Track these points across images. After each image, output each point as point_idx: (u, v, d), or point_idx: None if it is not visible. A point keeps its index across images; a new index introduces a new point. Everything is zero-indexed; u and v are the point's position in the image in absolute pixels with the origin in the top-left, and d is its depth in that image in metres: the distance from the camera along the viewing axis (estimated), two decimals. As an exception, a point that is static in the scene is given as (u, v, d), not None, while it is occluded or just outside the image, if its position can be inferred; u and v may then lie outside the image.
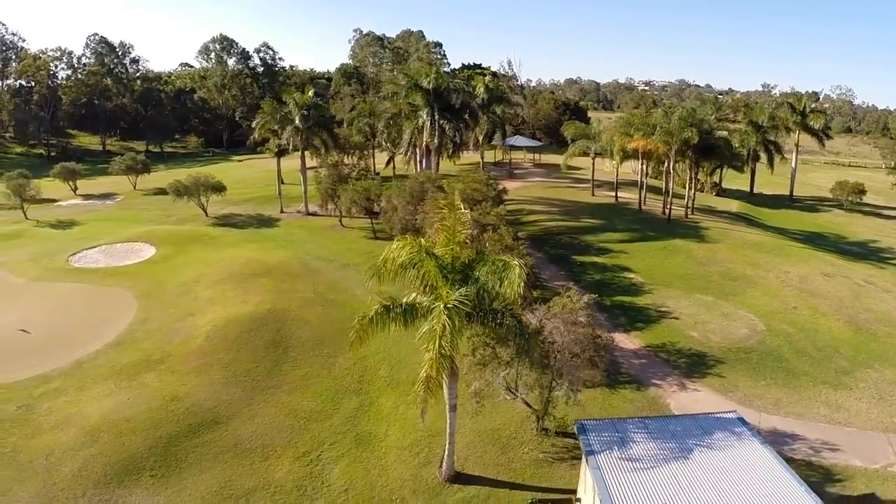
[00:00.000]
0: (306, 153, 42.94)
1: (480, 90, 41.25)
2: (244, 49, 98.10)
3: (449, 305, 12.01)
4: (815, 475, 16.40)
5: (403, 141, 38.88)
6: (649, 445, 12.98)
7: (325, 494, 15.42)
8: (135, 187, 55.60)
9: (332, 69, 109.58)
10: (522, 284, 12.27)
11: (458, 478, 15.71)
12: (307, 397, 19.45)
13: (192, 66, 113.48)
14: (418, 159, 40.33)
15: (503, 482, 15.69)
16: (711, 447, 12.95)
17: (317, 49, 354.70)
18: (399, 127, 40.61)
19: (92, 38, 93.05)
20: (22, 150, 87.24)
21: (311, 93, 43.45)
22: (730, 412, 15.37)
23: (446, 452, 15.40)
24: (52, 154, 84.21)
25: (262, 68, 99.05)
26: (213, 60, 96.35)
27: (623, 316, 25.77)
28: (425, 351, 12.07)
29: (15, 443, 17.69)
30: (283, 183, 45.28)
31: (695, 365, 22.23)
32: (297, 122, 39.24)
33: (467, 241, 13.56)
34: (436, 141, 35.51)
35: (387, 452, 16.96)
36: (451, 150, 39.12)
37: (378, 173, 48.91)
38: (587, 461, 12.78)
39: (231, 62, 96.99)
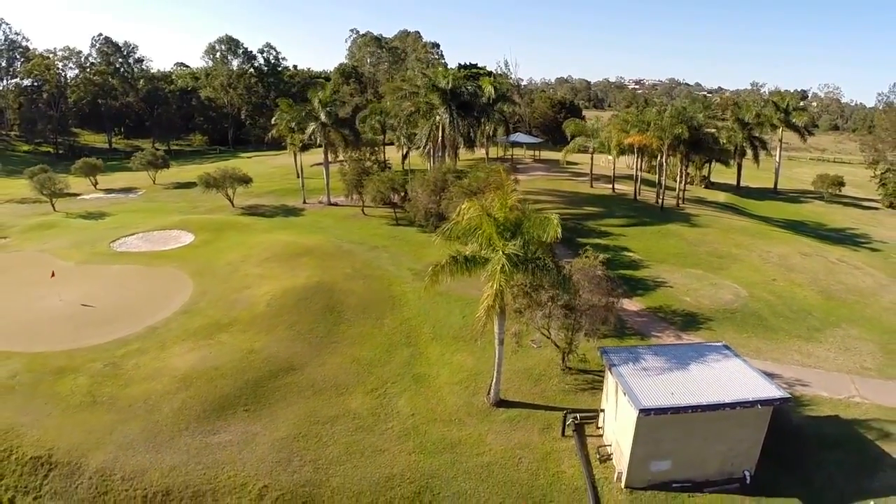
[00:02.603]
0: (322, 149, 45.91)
1: (489, 90, 44.72)
2: (248, 49, 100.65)
3: (506, 252, 15.59)
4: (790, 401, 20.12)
5: (421, 136, 42.13)
6: (658, 361, 16.72)
7: (395, 417, 18.81)
8: (154, 182, 57.78)
9: (327, 69, 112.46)
10: (559, 230, 15.98)
11: (503, 403, 19.30)
12: (366, 349, 22.80)
13: (187, 66, 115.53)
14: (433, 154, 43.65)
15: (539, 405, 19.31)
16: (705, 362, 16.76)
17: (312, 49, 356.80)
18: (415, 124, 43.88)
19: (97, 38, 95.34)
20: (29, 148, 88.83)
21: (329, 91, 46.66)
22: (718, 342, 19.19)
23: (494, 381, 18.94)
24: (60, 152, 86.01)
25: (266, 68, 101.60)
26: (219, 60, 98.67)
27: (625, 285, 29.32)
28: (488, 287, 15.62)
29: (111, 392, 19.77)
30: (299, 177, 48.33)
31: (688, 322, 26.04)
32: (322, 118, 42.20)
33: (516, 205, 17.14)
34: (454, 136, 38.90)
35: (441, 387, 20.43)
36: (464, 145, 42.51)
37: (389, 167, 52.13)
38: (610, 371, 16.45)
39: (236, 62, 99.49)
